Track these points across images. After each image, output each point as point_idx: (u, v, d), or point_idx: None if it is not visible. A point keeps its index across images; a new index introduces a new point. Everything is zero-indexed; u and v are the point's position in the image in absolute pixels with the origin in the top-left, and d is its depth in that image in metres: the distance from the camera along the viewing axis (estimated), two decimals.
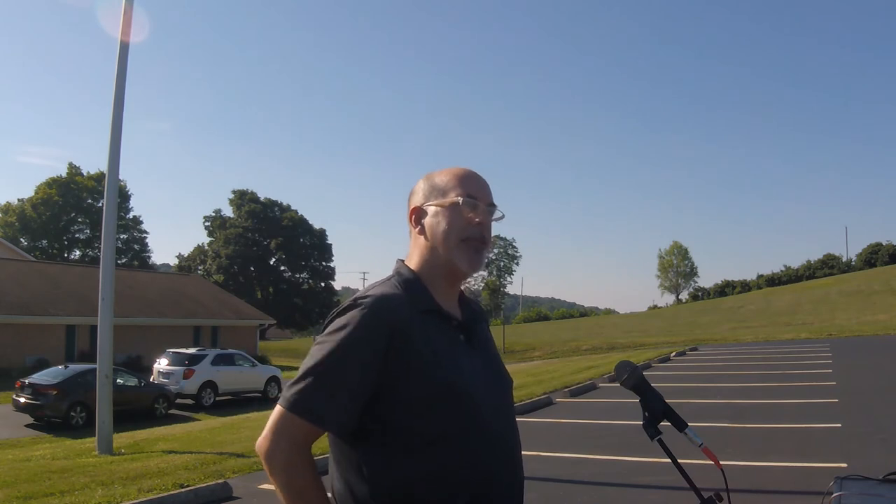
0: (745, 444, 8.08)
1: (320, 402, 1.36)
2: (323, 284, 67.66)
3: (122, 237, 58.11)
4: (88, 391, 14.13)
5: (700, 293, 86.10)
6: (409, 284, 1.48)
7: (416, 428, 1.37)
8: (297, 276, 67.12)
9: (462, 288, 1.62)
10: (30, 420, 16.53)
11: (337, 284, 72.57)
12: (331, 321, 1.43)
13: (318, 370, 1.37)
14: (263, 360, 29.91)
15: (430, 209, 1.52)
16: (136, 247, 61.76)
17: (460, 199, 1.49)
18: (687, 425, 1.55)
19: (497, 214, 1.55)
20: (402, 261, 1.57)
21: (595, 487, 6.61)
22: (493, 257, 45.94)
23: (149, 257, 63.26)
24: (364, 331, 1.37)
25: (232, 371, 21.90)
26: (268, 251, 64.97)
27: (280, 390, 23.41)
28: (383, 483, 1.37)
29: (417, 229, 1.54)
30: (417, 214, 1.54)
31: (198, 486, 6.77)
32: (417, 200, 1.55)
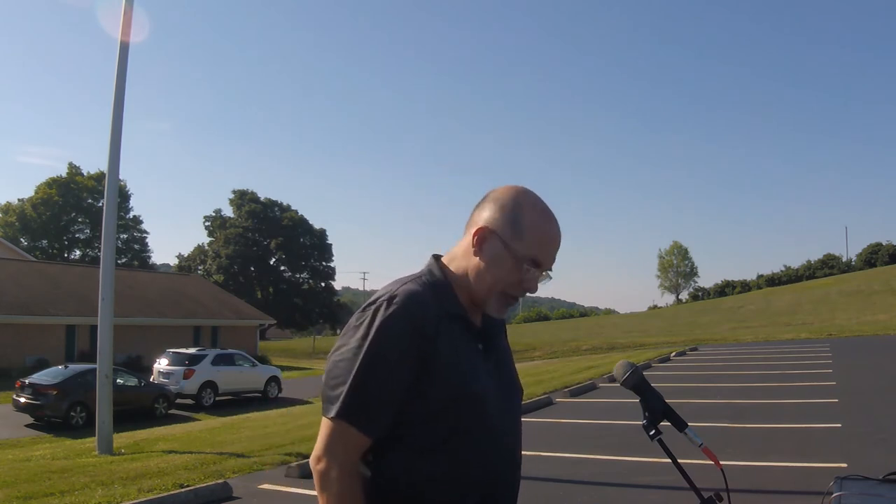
0: (745, 444, 8.07)
1: (369, 408, 1.35)
2: (323, 284, 67.69)
3: (122, 237, 58.12)
4: (88, 391, 14.13)
5: (700, 293, 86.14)
6: (439, 286, 1.46)
7: (431, 428, 1.38)
8: (297, 276, 67.15)
9: None
10: (30, 420, 16.53)
11: (337, 284, 72.66)
12: (360, 323, 1.39)
13: (360, 376, 1.35)
14: (263, 360, 29.92)
15: (497, 244, 1.44)
16: (136, 247, 61.77)
17: (526, 266, 1.44)
18: (687, 425, 1.55)
19: (547, 279, 1.51)
20: (439, 258, 1.54)
21: (595, 487, 6.61)
22: None
23: (149, 257, 63.32)
24: (399, 331, 1.35)
25: (232, 371, 21.90)
26: (268, 251, 64.99)
27: (280, 390, 23.52)
28: (395, 482, 1.38)
29: (475, 249, 1.46)
30: (482, 235, 1.46)
31: (198, 486, 6.77)
32: (491, 221, 1.46)
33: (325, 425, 1.38)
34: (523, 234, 1.44)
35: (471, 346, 1.46)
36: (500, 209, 1.46)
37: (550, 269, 1.49)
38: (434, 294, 1.43)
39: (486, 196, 1.52)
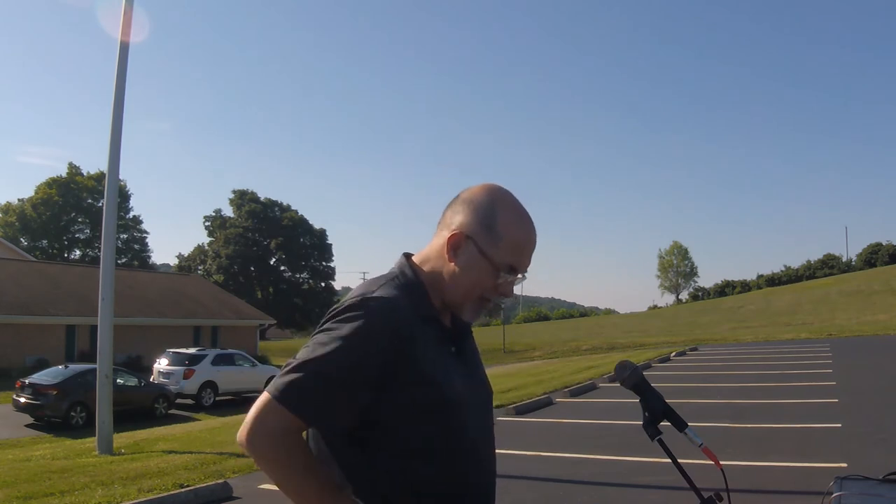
0: (745, 444, 8.07)
1: (316, 401, 1.31)
2: (323, 284, 67.70)
3: (122, 237, 58.14)
4: (88, 391, 14.12)
5: (700, 293, 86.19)
6: (412, 288, 1.42)
7: (408, 433, 1.36)
8: (297, 276, 67.17)
9: None
10: (30, 420, 16.53)
11: (337, 284, 72.55)
12: (334, 317, 1.36)
13: (319, 367, 1.31)
14: (263, 360, 29.90)
15: (472, 250, 1.40)
16: (136, 247, 61.79)
17: (501, 273, 1.41)
18: (687, 425, 1.55)
19: (521, 280, 1.47)
20: (410, 257, 1.50)
21: (595, 487, 6.61)
22: None
23: (149, 257, 63.34)
24: (371, 334, 1.32)
25: (232, 371, 21.92)
26: (268, 251, 65.00)
27: None
28: (373, 485, 1.37)
29: (450, 255, 1.42)
30: (456, 241, 1.41)
31: (198, 486, 6.77)
32: (465, 226, 1.42)
33: (263, 401, 1.33)
34: (499, 241, 1.40)
35: (444, 348, 1.44)
36: (473, 213, 1.42)
37: (525, 271, 1.46)
38: (408, 296, 1.40)
39: (459, 196, 1.47)
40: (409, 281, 1.44)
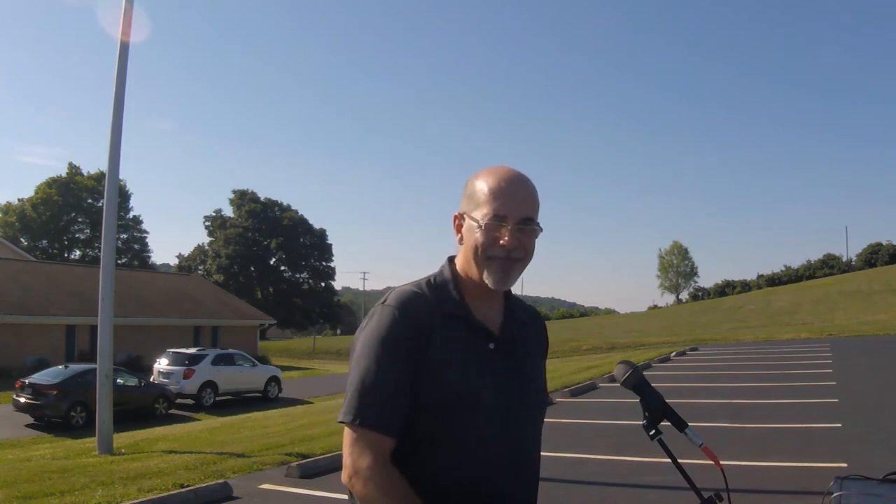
0: (745, 444, 8.07)
1: (376, 407, 1.38)
2: (323, 284, 67.71)
3: (122, 237, 58.13)
4: (88, 391, 14.13)
5: (700, 293, 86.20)
6: (441, 286, 1.51)
7: (422, 427, 1.41)
8: (297, 276, 67.18)
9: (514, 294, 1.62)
10: (30, 420, 16.53)
11: (337, 284, 72.65)
12: (362, 325, 1.48)
13: (362, 379, 1.40)
14: (264, 360, 29.92)
15: (465, 222, 1.51)
16: (136, 247, 61.79)
17: (484, 222, 1.46)
18: (687, 425, 1.55)
19: (530, 231, 1.48)
20: (452, 258, 1.59)
21: (595, 487, 6.61)
22: None
23: (149, 257, 63.34)
24: (393, 325, 1.41)
25: (232, 371, 21.92)
26: (268, 251, 65.01)
27: (280, 390, 23.55)
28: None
29: (458, 238, 1.54)
30: (458, 221, 1.54)
31: (198, 486, 6.77)
32: (461, 206, 1.54)
33: (345, 434, 1.42)
34: (478, 200, 1.49)
35: (473, 346, 1.47)
36: (463, 196, 1.56)
37: (528, 219, 1.47)
38: (434, 294, 1.48)
39: None
40: (442, 279, 1.54)
